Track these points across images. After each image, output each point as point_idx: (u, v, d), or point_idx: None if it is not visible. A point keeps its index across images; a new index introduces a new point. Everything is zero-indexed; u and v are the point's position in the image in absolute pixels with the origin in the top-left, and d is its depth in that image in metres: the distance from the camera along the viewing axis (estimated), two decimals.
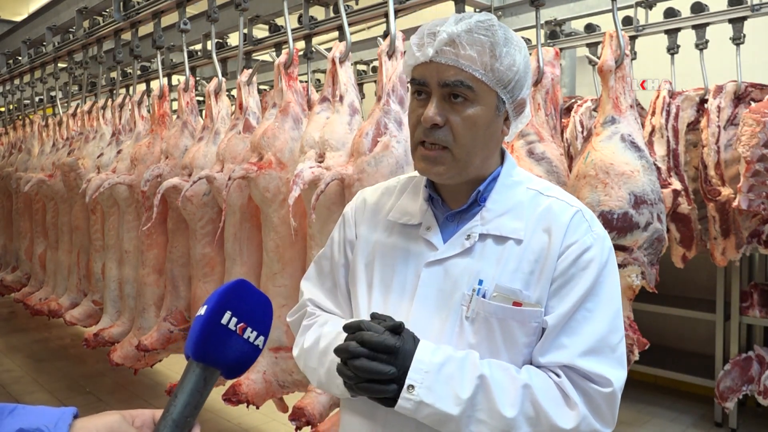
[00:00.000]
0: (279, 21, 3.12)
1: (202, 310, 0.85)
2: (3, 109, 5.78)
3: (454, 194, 1.15)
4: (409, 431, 1.08)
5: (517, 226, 1.10)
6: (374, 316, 1.04)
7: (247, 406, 2.28)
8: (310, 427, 2.08)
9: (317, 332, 1.18)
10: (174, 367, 4.10)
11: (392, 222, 1.20)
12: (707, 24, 3.03)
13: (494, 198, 1.13)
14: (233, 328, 0.85)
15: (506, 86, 1.08)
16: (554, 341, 1.04)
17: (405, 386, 0.99)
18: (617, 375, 1.04)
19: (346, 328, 1.03)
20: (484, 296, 1.07)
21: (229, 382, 2.29)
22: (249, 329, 0.86)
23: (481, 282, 1.07)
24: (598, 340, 1.04)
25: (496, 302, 1.06)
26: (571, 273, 1.06)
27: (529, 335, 1.06)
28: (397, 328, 1.01)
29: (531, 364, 1.07)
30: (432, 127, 1.06)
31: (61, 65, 4.23)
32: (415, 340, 1.02)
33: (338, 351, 1.01)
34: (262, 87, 4.82)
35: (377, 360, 0.98)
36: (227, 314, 0.85)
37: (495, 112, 1.09)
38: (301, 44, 2.82)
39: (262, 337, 0.88)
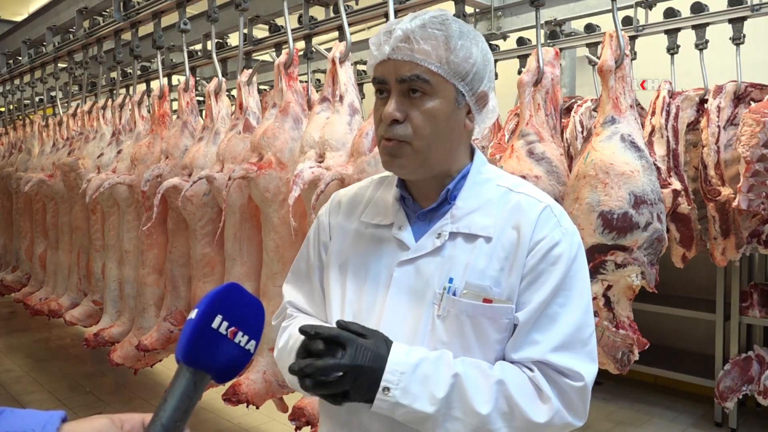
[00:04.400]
0: (279, 21, 3.12)
1: (192, 314, 0.84)
2: (3, 109, 5.78)
3: (425, 193, 1.16)
4: (387, 428, 1.08)
5: (487, 224, 1.11)
6: (340, 324, 1.03)
7: (247, 406, 2.28)
8: (310, 427, 2.08)
9: (290, 332, 1.21)
10: (174, 367, 4.08)
11: (365, 223, 1.21)
12: (707, 24, 3.02)
13: (464, 196, 1.14)
14: (224, 333, 0.84)
15: (464, 78, 1.09)
16: (526, 337, 1.06)
17: (380, 388, 0.99)
18: (588, 369, 1.05)
19: (302, 331, 1.01)
20: (454, 294, 1.08)
21: (229, 382, 2.29)
22: (240, 333, 0.85)
23: (451, 280, 1.08)
24: (570, 335, 1.05)
25: (466, 299, 1.07)
26: (540, 269, 1.07)
27: (500, 332, 1.07)
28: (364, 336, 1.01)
29: (504, 360, 1.08)
30: (392, 123, 1.08)
31: (61, 65, 4.23)
32: (387, 343, 1.03)
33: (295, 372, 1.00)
34: (262, 87, 4.82)
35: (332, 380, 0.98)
36: (218, 318, 0.83)
37: (454, 105, 1.10)
38: (301, 44, 2.82)
39: (253, 342, 0.87)
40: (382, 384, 0.99)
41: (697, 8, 3.02)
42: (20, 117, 5.13)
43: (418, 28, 1.07)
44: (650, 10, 3.20)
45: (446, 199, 1.14)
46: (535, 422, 1.01)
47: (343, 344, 0.98)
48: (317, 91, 2.69)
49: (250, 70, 2.63)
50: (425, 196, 1.16)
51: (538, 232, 1.08)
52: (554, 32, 3.52)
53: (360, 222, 1.22)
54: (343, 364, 0.97)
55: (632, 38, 3.17)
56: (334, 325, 1.12)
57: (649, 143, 2.94)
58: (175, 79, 4.08)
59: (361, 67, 4.63)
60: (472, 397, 1.00)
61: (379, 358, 1.00)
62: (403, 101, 1.08)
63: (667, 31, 3.14)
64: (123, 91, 4.05)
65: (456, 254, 1.10)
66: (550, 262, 1.07)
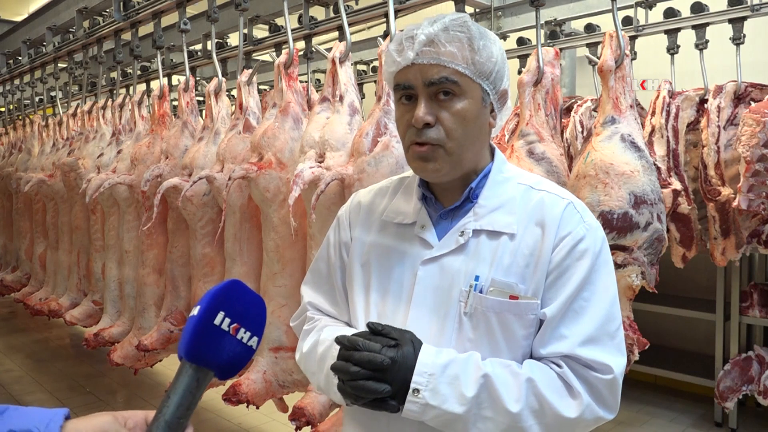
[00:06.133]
0: (279, 21, 3.12)
1: (194, 311, 0.84)
2: (3, 109, 5.78)
3: (447, 192, 1.17)
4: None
5: (510, 221, 1.11)
6: (371, 326, 1.04)
7: (247, 406, 2.28)
8: (310, 427, 2.08)
9: (315, 337, 1.20)
10: (174, 367, 4.08)
11: (386, 222, 1.21)
12: (707, 24, 3.03)
13: (486, 194, 1.14)
14: (226, 329, 0.84)
15: (488, 77, 1.10)
16: (554, 332, 1.06)
17: (410, 390, 1.00)
18: (617, 361, 1.06)
19: (338, 342, 1.04)
20: (480, 291, 1.08)
21: (229, 382, 2.30)
22: (242, 330, 0.85)
23: (477, 278, 1.09)
24: (597, 329, 1.06)
25: (492, 296, 1.08)
26: (566, 264, 1.08)
27: (527, 327, 1.08)
28: (395, 340, 1.03)
29: (531, 356, 1.09)
30: (424, 127, 1.08)
31: (61, 65, 4.23)
32: (416, 345, 1.03)
33: (335, 370, 1.03)
34: (262, 87, 4.82)
35: (373, 379, 1.00)
36: (220, 315, 0.84)
37: (481, 104, 1.11)
38: (301, 44, 2.82)
39: (255, 338, 0.87)
40: (412, 386, 1.00)
41: (697, 8, 3.02)
42: (20, 117, 5.13)
43: (441, 31, 1.08)
44: (650, 10, 3.20)
45: (469, 197, 1.15)
46: (566, 418, 1.02)
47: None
48: (317, 91, 2.69)
49: (250, 70, 2.63)
50: (448, 196, 1.17)
51: (563, 228, 1.09)
52: (554, 32, 3.52)
53: (381, 221, 1.22)
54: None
55: (632, 38, 3.17)
56: (362, 327, 1.14)
57: (649, 143, 2.94)
58: (175, 79, 4.08)
59: (361, 67, 4.63)
60: (503, 396, 1.01)
61: (406, 361, 1.00)
62: (432, 104, 1.08)
63: (667, 31, 3.14)
64: (123, 91, 4.05)
65: (480, 251, 1.11)
66: (576, 258, 1.08)
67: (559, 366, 1.05)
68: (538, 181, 1.18)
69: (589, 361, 1.04)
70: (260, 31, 3.37)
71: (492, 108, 1.14)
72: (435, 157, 1.09)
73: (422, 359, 1.01)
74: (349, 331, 1.12)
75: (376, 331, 1.03)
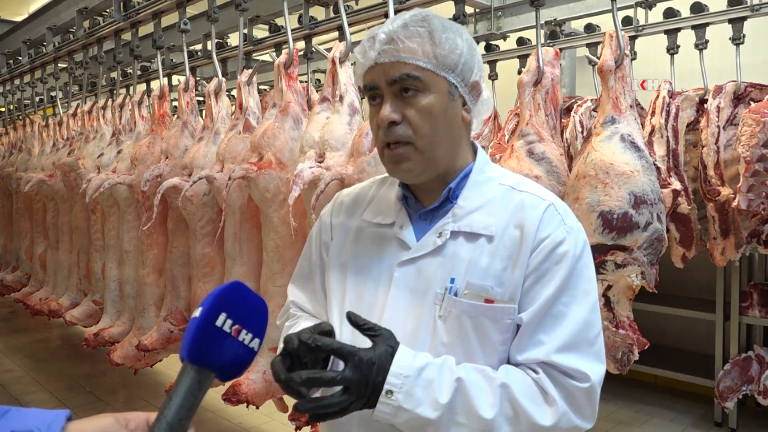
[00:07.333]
0: (279, 21, 3.12)
1: (196, 312, 0.84)
2: (3, 109, 5.78)
3: (427, 192, 1.15)
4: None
5: (489, 222, 1.09)
6: (351, 317, 1.01)
7: (247, 406, 2.28)
8: (309, 427, 2.08)
9: None
10: (174, 367, 4.10)
11: (367, 222, 1.20)
12: (707, 24, 3.03)
13: (466, 195, 1.12)
14: (228, 331, 0.84)
15: (453, 70, 1.08)
16: (531, 338, 1.03)
17: (383, 391, 0.97)
18: (595, 369, 1.02)
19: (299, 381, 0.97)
20: (455, 294, 1.06)
21: (229, 382, 2.30)
22: (244, 331, 0.85)
23: (452, 280, 1.07)
24: (575, 335, 1.03)
25: (467, 300, 1.05)
26: (545, 268, 1.05)
27: (503, 333, 1.05)
28: (375, 337, 0.99)
29: (508, 362, 1.06)
30: (390, 125, 1.07)
31: (61, 65, 4.23)
32: (393, 346, 1.00)
33: (302, 411, 0.98)
34: (262, 87, 4.82)
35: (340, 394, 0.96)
36: (222, 316, 0.84)
37: (449, 98, 1.09)
38: (301, 44, 2.82)
39: (257, 340, 0.87)
40: (386, 387, 0.96)
41: (697, 8, 3.02)
42: (20, 117, 5.13)
43: (400, 28, 1.07)
44: (650, 10, 3.20)
45: (448, 198, 1.13)
46: (540, 425, 0.99)
47: (345, 357, 0.96)
48: (317, 91, 2.70)
49: (250, 70, 2.63)
50: (427, 196, 1.15)
51: (542, 230, 1.06)
52: (554, 32, 3.52)
53: (361, 221, 1.21)
54: (346, 378, 0.95)
55: (632, 38, 3.17)
56: (337, 326, 1.12)
57: (649, 143, 2.94)
58: (175, 79, 4.08)
59: None
60: (476, 402, 0.98)
61: (382, 362, 0.97)
62: (397, 102, 1.07)
63: (667, 31, 3.14)
64: (123, 91, 4.06)
65: (458, 253, 1.08)
66: (555, 261, 1.04)
67: (535, 372, 1.02)
68: (520, 181, 1.15)
69: (566, 368, 1.01)
70: (260, 31, 3.37)
71: (464, 101, 1.12)
72: (407, 156, 1.07)
73: (398, 360, 0.98)
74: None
75: (356, 324, 1.00)
